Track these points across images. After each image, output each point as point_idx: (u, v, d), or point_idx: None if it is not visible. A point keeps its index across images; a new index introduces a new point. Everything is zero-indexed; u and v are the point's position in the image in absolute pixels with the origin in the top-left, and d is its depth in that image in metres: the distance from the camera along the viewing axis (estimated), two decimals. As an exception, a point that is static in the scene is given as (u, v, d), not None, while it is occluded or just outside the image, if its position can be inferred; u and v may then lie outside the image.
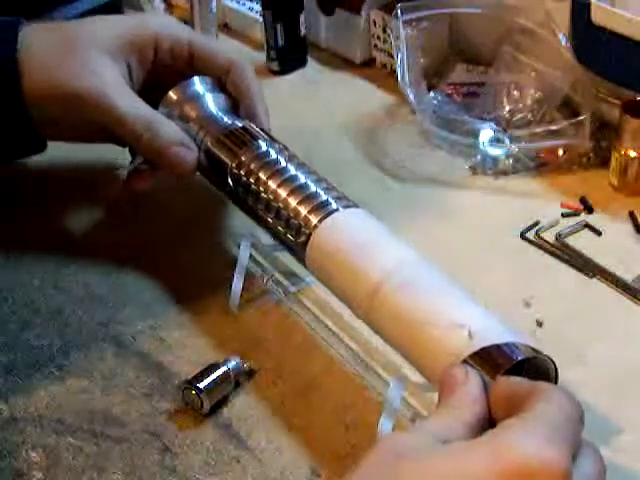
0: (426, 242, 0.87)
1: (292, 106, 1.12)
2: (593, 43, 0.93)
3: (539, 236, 0.88)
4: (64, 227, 0.93)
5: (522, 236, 0.88)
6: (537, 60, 1.00)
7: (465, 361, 0.58)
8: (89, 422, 0.72)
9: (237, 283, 0.80)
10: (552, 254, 0.86)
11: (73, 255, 0.89)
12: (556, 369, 0.59)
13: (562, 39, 0.98)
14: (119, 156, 1.03)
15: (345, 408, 0.72)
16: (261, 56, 1.20)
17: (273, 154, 0.78)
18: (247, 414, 0.72)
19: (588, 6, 0.91)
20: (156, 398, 0.73)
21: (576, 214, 0.90)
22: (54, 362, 0.77)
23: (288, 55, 1.18)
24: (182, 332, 0.80)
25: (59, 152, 1.06)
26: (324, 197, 0.73)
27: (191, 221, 0.93)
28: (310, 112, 1.10)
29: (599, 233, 0.88)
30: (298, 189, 0.74)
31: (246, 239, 0.80)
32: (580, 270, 0.84)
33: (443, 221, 0.91)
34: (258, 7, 1.23)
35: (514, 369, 0.58)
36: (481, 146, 0.96)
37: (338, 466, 0.67)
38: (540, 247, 0.87)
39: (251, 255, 0.80)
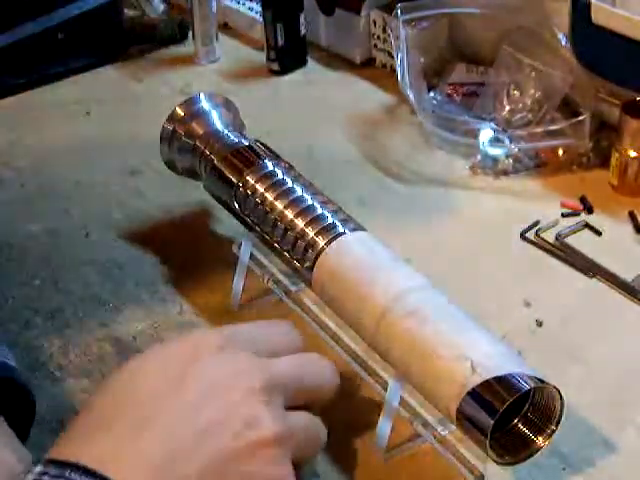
0: (426, 242, 0.87)
1: (292, 106, 1.12)
2: (593, 43, 0.93)
3: (539, 236, 0.88)
4: (64, 227, 0.93)
5: (522, 236, 0.88)
6: (537, 60, 1.00)
7: (469, 393, 0.58)
8: (89, 422, 0.72)
9: (238, 283, 0.80)
10: (552, 254, 0.86)
11: (73, 255, 0.89)
12: (562, 398, 0.59)
13: (562, 39, 0.98)
14: (127, 159, 1.03)
15: (345, 408, 0.71)
16: (261, 56, 1.20)
17: (279, 174, 0.78)
18: (247, 414, 0.72)
19: (588, 6, 0.91)
20: (156, 398, 0.73)
21: (576, 214, 0.90)
22: (54, 362, 0.77)
23: (288, 55, 1.18)
24: (182, 332, 0.79)
25: (59, 152, 1.06)
26: (331, 220, 0.72)
27: (191, 221, 0.93)
28: (310, 112, 1.10)
29: (599, 233, 0.88)
30: (305, 211, 0.73)
31: (247, 238, 0.80)
32: (580, 270, 0.84)
33: (443, 221, 0.91)
34: (258, 7, 1.24)
35: (519, 400, 0.58)
36: (481, 146, 0.96)
37: (338, 466, 0.67)
38: (540, 247, 0.86)
39: (252, 255, 0.80)
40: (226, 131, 0.85)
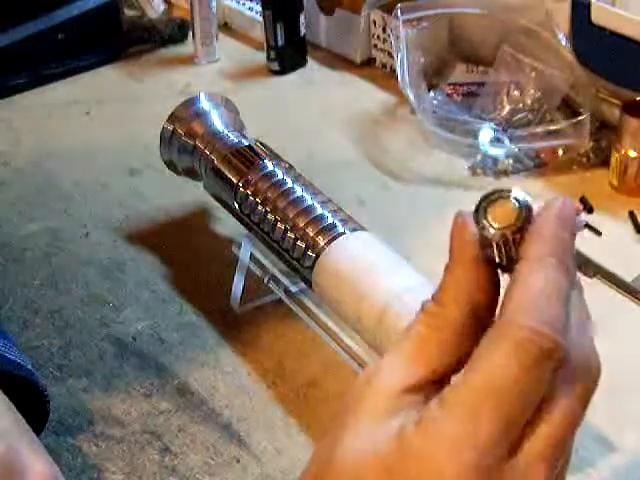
0: (426, 242, 0.87)
1: (292, 106, 1.12)
2: (593, 43, 0.93)
3: (539, 236, 0.87)
4: (64, 227, 0.93)
5: (522, 236, 0.88)
6: (537, 60, 1.00)
7: None
8: (89, 422, 0.72)
9: (238, 283, 0.80)
10: (552, 254, 0.86)
11: (73, 255, 0.89)
12: None
13: (562, 39, 0.98)
14: (127, 159, 1.03)
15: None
16: (261, 56, 1.20)
17: (280, 174, 0.78)
18: (247, 414, 0.72)
19: (588, 6, 0.91)
20: (156, 398, 0.73)
21: (576, 214, 0.90)
22: (54, 362, 0.77)
23: (288, 55, 1.18)
24: (182, 332, 0.80)
25: (59, 152, 1.06)
26: (331, 220, 0.72)
27: (191, 221, 0.93)
28: (310, 112, 1.10)
29: (599, 233, 0.88)
30: (305, 211, 0.73)
31: (247, 239, 0.80)
32: (580, 270, 0.84)
33: (443, 221, 0.91)
34: (258, 7, 1.23)
35: None
36: (481, 146, 0.96)
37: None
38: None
39: (252, 255, 0.80)
40: (226, 131, 0.85)
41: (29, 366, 0.62)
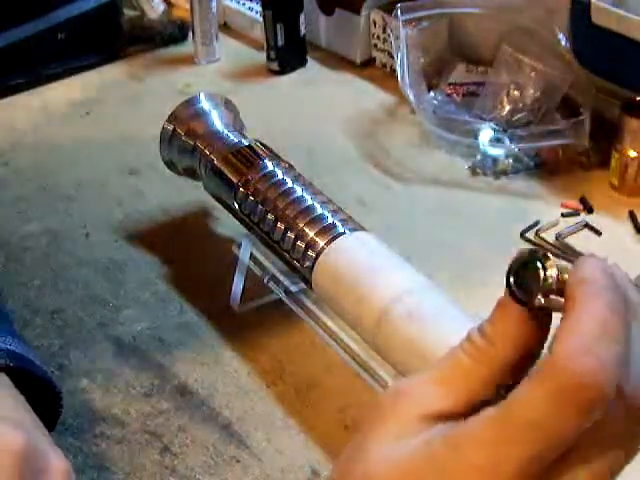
0: (426, 242, 0.87)
1: (292, 106, 1.12)
2: (593, 43, 0.93)
3: (539, 236, 0.88)
4: (64, 227, 0.93)
5: (522, 236, 0.88)
6: (537, 60, 1.00)
7: None
8: (89, 422, 0.72)
9: (238, 283, 0.80)
10: (552, 254, 0.86)
11: (73, 255, 0.89)
12: None
13: (562, 39, 0.98)
14: (127, 159, 1.03)
15: (345, 408, 0.72)
16: (261, 56, 1.20)
17: (279, 174, 0.78)
18: (247, 414, 0.72)
19: (588, 6, 0.91)
20: (156, 398, 0.73)
21: (576, 214, 0.90)
22: (54, 362, 0.77)
23: (288, 55, 1.18)
24: (182, 332, 0.80)
25: (59, 152, 1.06)
26: (331, 220, 0.72)
27: (191, 221, 0.93)
28: (310, 112, 1.10)
29: (599, 233, 0.88)
30: (305, 211, 0.73)
31: (247, 239, 0.80)
32: (580, 270, 0.84)
33: (443, 221, 0.91)
34: (258, 7, 1.24)
35: None
36: (481, 146, 0.96)
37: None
38: (540, 247, 0.87)
39: (252, 255, 0.80)
40: (226, 131, 0.85)
41: (44, 367, 0.62)
